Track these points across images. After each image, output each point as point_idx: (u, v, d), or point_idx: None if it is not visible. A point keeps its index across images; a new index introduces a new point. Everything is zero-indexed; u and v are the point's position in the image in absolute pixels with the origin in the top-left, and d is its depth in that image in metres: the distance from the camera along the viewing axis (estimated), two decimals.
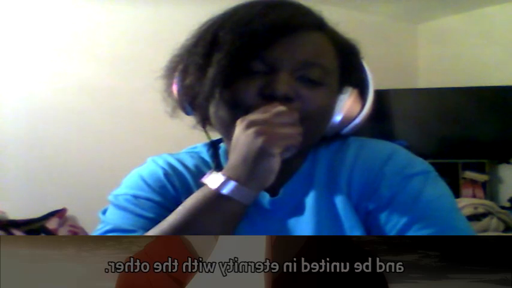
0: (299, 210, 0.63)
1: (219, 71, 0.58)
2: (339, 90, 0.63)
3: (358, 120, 0.64)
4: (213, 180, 0.55)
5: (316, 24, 0.62)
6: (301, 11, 0.62)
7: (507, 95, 3.21)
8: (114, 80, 2.56)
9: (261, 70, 0.59)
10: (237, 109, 0.58)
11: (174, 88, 0.64)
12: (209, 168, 0.69)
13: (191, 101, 0.63)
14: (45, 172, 2.42)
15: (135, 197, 0.64)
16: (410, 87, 3.63)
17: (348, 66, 0.65)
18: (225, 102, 0.59)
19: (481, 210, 2.58)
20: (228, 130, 0.60)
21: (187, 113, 0.66)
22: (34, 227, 2.13)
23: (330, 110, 0.62)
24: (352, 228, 0.60)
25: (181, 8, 2.67)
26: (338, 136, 0.67)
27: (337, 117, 0.63)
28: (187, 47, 0.63)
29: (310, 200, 0.63)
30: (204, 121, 0.65)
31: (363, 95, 0.65)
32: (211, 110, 0.62)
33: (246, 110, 0.58)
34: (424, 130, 3.28)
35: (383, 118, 3.30)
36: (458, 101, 3.27)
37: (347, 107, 0.63)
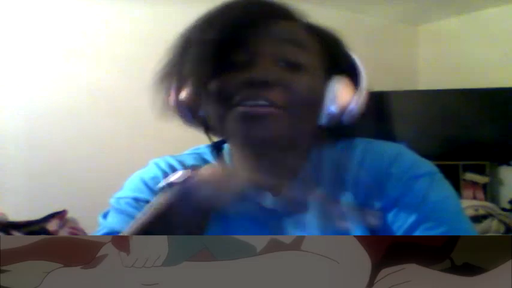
0: (302, 209, 0.63)
1: (195, 65, 0.58)
2: (326, 78, 0.63)
3: (353, 107, 0.63)
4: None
5: (287, 14, 0.63)
6: (273, 3, 0.62)
7: (507, 97, 3.21)
8: (115, 80, 2.56)
9: (241, 60, 0.59)
10: (225, 101, 0.59)
11: (171, 100, 0.63)
12: None
13: (189, 110, 0.63)
14: (46, 174, 2.42)
15: (136, 200, 0.65)
16: (411, 89, 3.63)
17: (331, 53, 0.64)
18: (213, 97, 0.60)
19: (481, 212, 2.58)
20: (222, 125, 0.61)
21: (188, 122, 0.65)
22: (34, 229, 2.13)
23: (317, 96, 0.62)
24: (357, 228, 0.61)
25: (181, 8, 2.67)
26: (342, 130, 0.66)
27: (332, 107, 0.62)
28: (170, 59, 0.63)
29: (314, 200, 0.63)
30: (205, 127, 0.66)
31: (355, 81, 0.65)
32: (204, 108, 0.62)
33: (233, 101, 0.58)
34: (424, 132, 3.28)
35: (383, 120, 3.30)
36: (458, 102, 3.27)
37: (339, 95, 0.62)
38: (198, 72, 0.59)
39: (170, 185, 0.56)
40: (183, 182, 0.55)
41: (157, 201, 0.55)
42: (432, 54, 3.84)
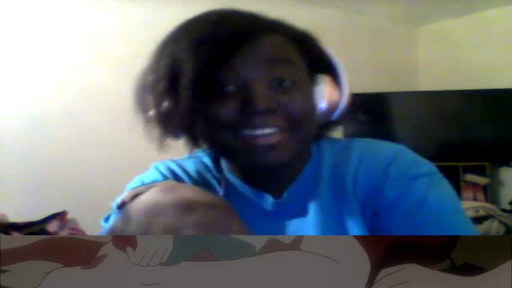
0: (303, 212, 0.63)
1: (187, 95, 0.55)
2: (312, 82, 0.62)
3: (343, 104, 0.63)
4: None
5: (268, 26, 0.60)
6: (252, 17, 0.60)
7: (507, 98, 3.22)
8: (116, 81, 2.56)
9: (233, 83, 0.57)
10: (226, 129, 0.57)
11: (156, 115, 0.60)
12: (210, 173, 0.69)
13: (176, 125, 0.60)
14: (46, 175, 2.42)
15: None
16: (411, 90, 3.63)
17: (310, 54, 0.63)
18: (208, 124, 0.58)
19: (482, 213, 2.58)
20: (221, 150, 0.60)
21: (177, 136, 0.63)
22: (34, 230, 2.13)
23: (312, 104, 0.61)
24: (357, 229, 0.61)
25: (182, 8, 2.67)
26: (331, 126, 0.66)
27: (322, 104, 0.62)
28: (152, 74, 0.60)
29: (314, 202, 0.63)
30: (196, 140, 0.64)
31: (336, 80, 0.64)
32: (199, 130, 0.60)
33: (236, 130, 0.57)
34: (424, 133, 3.29)
35: (383, 121, 3.30)
36: (458, 103, 3.28)
37: (327, 93, 0.62)
38: (191, 99, 0.55)
39: (120, 205, 0.55)
40: (123, 204, 0.52)
41: (110, 224, 0.53)
42: (432, 55, 3.84)
